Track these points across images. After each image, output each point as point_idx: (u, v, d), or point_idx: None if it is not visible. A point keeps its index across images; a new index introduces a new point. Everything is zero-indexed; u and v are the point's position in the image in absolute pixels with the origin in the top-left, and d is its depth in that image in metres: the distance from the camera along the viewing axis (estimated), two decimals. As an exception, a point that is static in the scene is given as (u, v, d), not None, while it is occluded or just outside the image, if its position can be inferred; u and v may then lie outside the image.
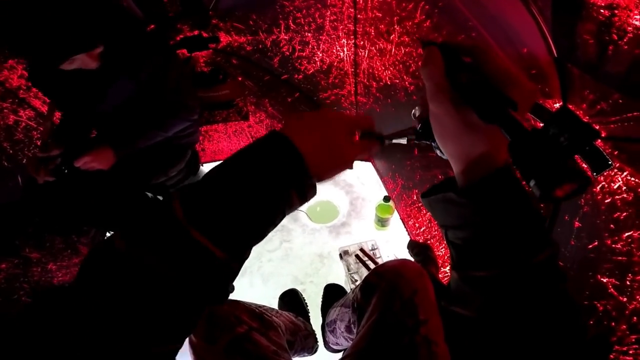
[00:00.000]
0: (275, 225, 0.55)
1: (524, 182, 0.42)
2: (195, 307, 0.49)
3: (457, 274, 0.53)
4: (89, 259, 0.47)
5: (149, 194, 2.08)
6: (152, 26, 1.77)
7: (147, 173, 1.93)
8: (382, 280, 1.18)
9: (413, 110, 0.61)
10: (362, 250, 2.25)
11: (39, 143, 1.93)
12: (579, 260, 1.18)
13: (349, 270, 2.18)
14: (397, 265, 1.20)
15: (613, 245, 1.05)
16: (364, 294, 1.24)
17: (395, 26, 1.57)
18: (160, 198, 2.14)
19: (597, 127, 1.00)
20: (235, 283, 2.16)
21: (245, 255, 0.53)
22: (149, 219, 0.48)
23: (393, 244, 2.35)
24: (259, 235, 0.53)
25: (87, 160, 1.63)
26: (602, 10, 0.83)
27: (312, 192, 0.57)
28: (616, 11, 0.79)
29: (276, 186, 0.51)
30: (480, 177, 0.48)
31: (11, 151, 1.91)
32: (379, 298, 1.14)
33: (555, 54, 1.04)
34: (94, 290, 0.44)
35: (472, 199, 0.48)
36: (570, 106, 1.07)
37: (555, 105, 1.12)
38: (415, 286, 1.10)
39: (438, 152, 0.57)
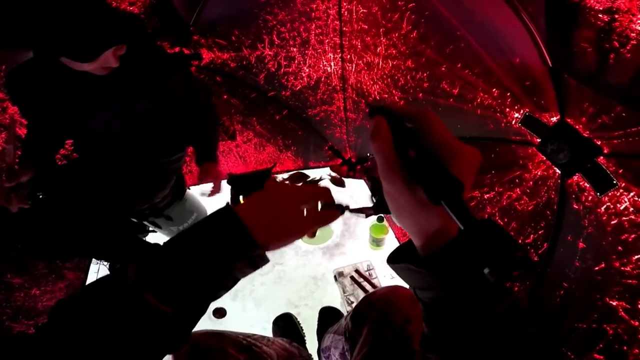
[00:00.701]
0: (228, 288, 0.63)
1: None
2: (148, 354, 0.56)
3: (427, 327, 0.56)
4: (54, 311, 0.54)
5: (134, 220, 2.01)
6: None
7: (130, 200, 1.86)
8: (372, 310, 1.13)
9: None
10: (357, 271, 2.17)
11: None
12: (584, 282, 1.15)
13: (344, 292, 2.11)
14: (387, 293, 1.16)
15: (622, 268, 1.02)
16: (354, 324, 1.19)
17: (382, 38, 1.54)
18: (146, 224, 2.08)
19: (599, 143, 0.96)
20: (227, 308, 2.13)
21: (197, 312, 0.61)
22: (104, 281, 0.56)
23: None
24: (208, 296, 0.61)
25: (218, 183, 1.83)
26: (600, 15, 0.76)
27: (262, 261, 0.64)
28: (617, 16, 0.73)
29: (220, 257, 0.58)
30: (435, 249, 0.50)
31: (-14, 177, 1.85)
32: (369, 329, 1.10)
33: (550, 64, 0.99)
34: (54, 340, 0.51)
35: (431, 269, 0.51)
36: (569, 120, 1.02)
37: (552, 119, 1.07)
38: (407, 314, 1.06)
39: (397, 222, 0.58)
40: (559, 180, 1.14)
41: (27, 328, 1.79)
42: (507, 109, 1.24)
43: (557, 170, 1.14)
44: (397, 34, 1.46)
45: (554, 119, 1.07)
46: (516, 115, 1.22)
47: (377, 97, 1.78)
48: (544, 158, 1.16)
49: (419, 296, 0.56)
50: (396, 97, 1.65)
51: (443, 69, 1.39)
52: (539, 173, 1.22)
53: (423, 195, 0.47)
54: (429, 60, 1.42)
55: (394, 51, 1.53)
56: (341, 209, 0.73)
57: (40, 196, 1.58)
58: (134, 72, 1.47)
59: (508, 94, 1.21)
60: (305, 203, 0.69)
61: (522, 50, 1.07)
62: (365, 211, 0.78)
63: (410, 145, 0.49)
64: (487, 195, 1.44)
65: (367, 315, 1.14)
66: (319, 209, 0.72)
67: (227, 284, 0.62)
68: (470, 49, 1.21)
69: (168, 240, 0.61)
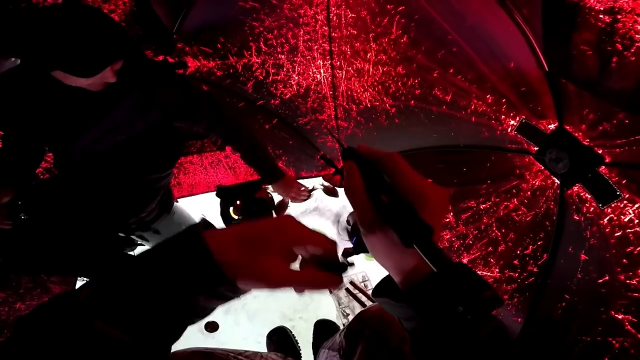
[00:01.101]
0: (201, 316, 0.54)
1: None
2: None
3: (412, 353, 0.57)
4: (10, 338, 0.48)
5: (121, 234, 1.97)
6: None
7: (117, 217, 1.81)
8: (366, 328, 1.10)
9: (347, 217, 0.65)
10: (352, 283, 2.13)
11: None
12: (587, 295, 1.13)
13: (339, 304, 2.09)
14: (381, 310, 1.13)
15: (627, 281, 1.01)
16: (348, 342, 1.16)
17: (372, 44, 1.50)
18: (134, 237, 2.03)
19: (600, 152, 0.93)
20: (219, 321, 2.10)
21: (168, 339, 0.52)
22: (54, 302, 0.49)
23: (384, 274, 2.23)
24: (176, 325, 0.52)
25: (296, 191, 1.79)
26: (601, 16, 0.73)
27: (235, 294, 0.53)
28: (619, 16, 0.69)
29: (181, 287, 0.50)
30: (412, 285, 0.53)
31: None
32: (363, 347, 1.07)
33: (547, 68, 0.95)
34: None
35: (410, 303, 0.53)
36: (568, 127, 1.00)
37: (549, 126, 1.04)
38: (402, 333, 1.02)
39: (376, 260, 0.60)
40: (558, 191, 1.11)
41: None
42: (503, 116, 1.21)
43: (556, 180, 1.11)
44: (387, 39, 1.43)
45: (552, 127, 1.04)
46: (512, 122, 1.20)
47: (369, 105, 1.75)
48: (542, 167, 1.14)
49: (403, 325, 0.59)
50: (387, 105, 1.62)
51: (435, 74, 1.36)
52: (537, 183, 1.19)
53: (397, 238, 0.50)
54: (420, 66, 1.39)
55: (384, 57, 1.50)
56: (343, 270, 0.61)
57: (23, 217, 1.53)
58: (126, 87, 1.40)
59: (503, 100, 1.19)
60: (298, 245, 0.54)
61: (517, 54, 1.04)
62: (346, 252, 0.78)
63: (381, 190, 0.52)
64: (483, 206, 1.41)
65: (360, 333, 1.11)
66: (317, 267, 0.56)
67: (197, 313, 0.53)
68: (462, 53, 1.18)
69: (133, 258, 0.53)
